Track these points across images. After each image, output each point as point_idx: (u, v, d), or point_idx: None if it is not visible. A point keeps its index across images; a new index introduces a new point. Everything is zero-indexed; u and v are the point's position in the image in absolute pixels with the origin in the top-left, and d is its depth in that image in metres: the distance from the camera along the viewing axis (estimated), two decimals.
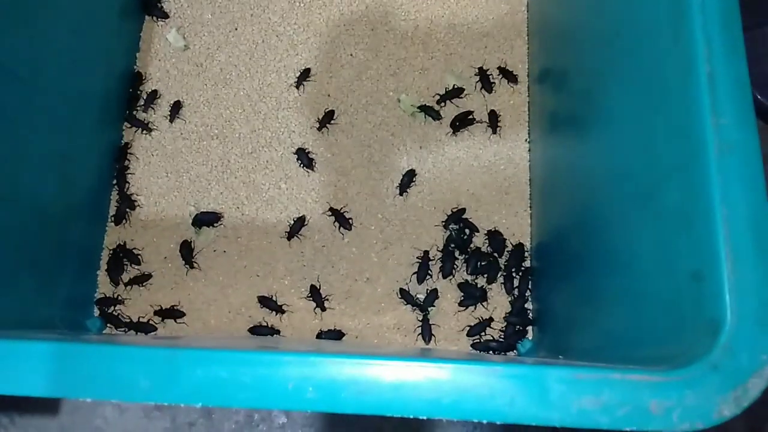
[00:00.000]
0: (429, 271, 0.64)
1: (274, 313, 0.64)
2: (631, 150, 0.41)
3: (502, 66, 0.71)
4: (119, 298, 0.64)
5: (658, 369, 0.28)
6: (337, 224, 0.65)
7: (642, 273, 0.37)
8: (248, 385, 0.27)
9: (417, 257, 0.65)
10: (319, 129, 0.68)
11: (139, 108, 0.70)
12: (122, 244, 0.66)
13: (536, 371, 0.27)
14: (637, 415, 0.27)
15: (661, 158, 0.36)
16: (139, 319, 0.64)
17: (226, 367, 0.27)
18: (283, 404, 0.27)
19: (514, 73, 0.70)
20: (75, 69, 0.61)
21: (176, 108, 0.69)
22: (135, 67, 0.73)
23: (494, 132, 0.68)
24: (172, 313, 0.63)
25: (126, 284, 0.65)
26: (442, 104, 0.69)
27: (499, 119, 0.69)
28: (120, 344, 0.28)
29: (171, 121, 0.69)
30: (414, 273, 0.65)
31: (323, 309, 0.64)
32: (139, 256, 0.66)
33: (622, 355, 0.36)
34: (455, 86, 0.69)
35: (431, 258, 0.65)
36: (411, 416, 0.27)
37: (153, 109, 0.70)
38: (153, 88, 0.71)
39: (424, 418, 0.27)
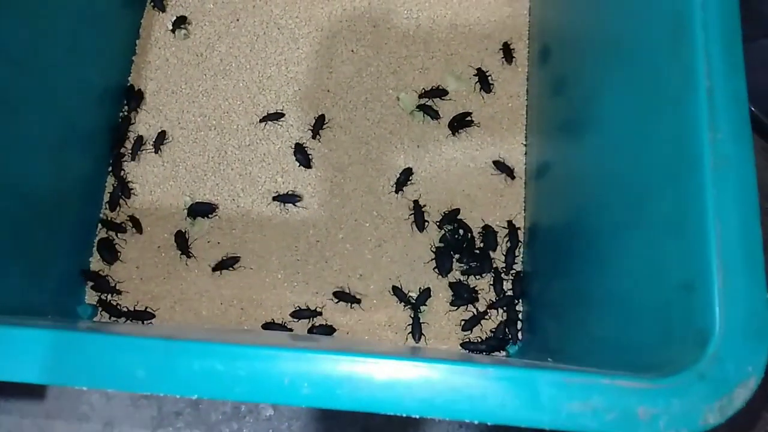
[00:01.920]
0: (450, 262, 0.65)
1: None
2: (626, 158, 0.42)
3: (506, 43, 0.71)
4: (116, 287, 0.64)
5: (646, 376, 0.28)
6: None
7: (632, 281, 0.37)
8: (244, 378, 0.27)
9: (432, 250, 0.65)
10: (313, 136, 0.68)
11: (125, 153, 0.69)
12: (107, 219, 0.66)
13: (527, 374, 0.28)
14: (625, 421, 0.28)
15: (655, 167, 0.36)
16: (135, 307, 0.64)
17: (223, 360, 0.27)
18: (279, 399, 0.27)
19: (513, 53, 0.71)
20: (73, 54, 0.61)
21: (161, 138, 0.68)
22: (132, 61, 0.72)
23: (488, 91, 0.69)
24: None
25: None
26: (426, 100, 0.69)
27: (492, 85, 0.70)
28: (117, 334, 0.28)
29: (156, 151, 0.68)
30: (434, 267, 0.65)
31: (357, 302, 0.64)
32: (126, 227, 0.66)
33: (611, 361, 0.37)
34: (440, 87, 0.70)
35: (444, 248, 0.65)
36: (404, 415, 0.27)
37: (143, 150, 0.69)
38: (139, 134, 0.69)
39: (417, 417, 0.27)
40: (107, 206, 0.67)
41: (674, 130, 0.34)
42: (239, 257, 0.65)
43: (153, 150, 0.68)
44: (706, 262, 0.30)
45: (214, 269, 0.64)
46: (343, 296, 0.64)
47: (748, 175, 0.30)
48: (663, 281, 0.34)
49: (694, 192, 0.31)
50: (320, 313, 0.64)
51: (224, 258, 0.65)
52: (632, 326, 0.36)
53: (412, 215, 0.66)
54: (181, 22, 0.71)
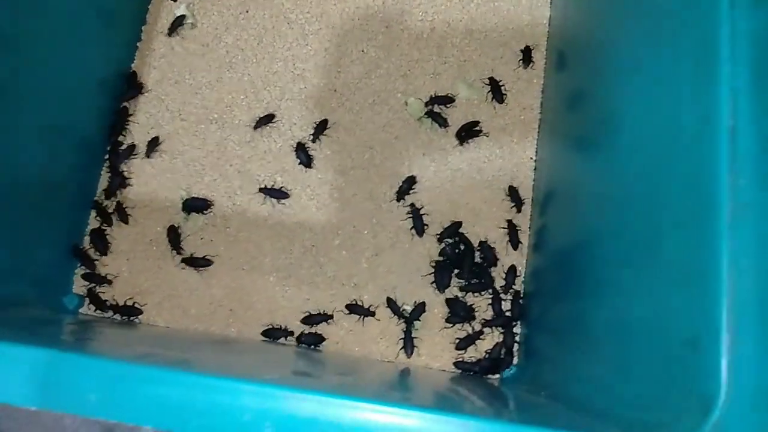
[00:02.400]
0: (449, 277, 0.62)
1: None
2: (640, 190, 0.39)
3: (528, 46, 0.69)
4: (106, 276, 0.63)
5: None
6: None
7: (634, 325, 0.35)
8: (202, 411, 0.25)
9: (431, 264, 0.63)
10: (313, 140, 0.66)
11: (122, 142, 0.67)
12: (99, 201, 0.64)
13: (501, 428, 0.25)
14: None
15: (670, 205, 0.34)
16: (125, 302, 0.62)
17: (181, 389, 0.25)
18: None
19: (532, 58, 0.68)
20: (74, 39, 0.59)
21: (153, 144, 0.66)
22: (137, 47, 0.70)
23: (500, 101, 0.67)
24: (129, 311, 0.61)
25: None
26: (432, 106, 0.67)
27: (505, 95, 0.67)
28: (72, 352, 0.26)
29: (148, 155, 0.66)
30: (432, 282, 0.63)
31: (372, 314, 0.62)
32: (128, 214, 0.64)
33: (604, 409, 0.34)
34: (448, 94, 0.67)
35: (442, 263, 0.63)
36: None
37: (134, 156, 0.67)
38: (132, 143, 0.67)
39: None
40: (103, 194, 0.65)
41: (692, 169, 0.32)
42: (213, 261, 0.63)
43: (144, 155, 0.66)
44: (715, 317, 0.27)
45: (183, 261, 0.63)
46: (356, 309, 0.61)
47: None
48: (667, 333, 0.31)
49: (709, 238, 0.29)
50: (331, 316, 0.62)
51: (198, 256, 0.63)
52: (629, 376, 0.34)
53: (410, 218, 0.64)
54: (178, 23, 0.69)
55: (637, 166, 0.40)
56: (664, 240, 0.33)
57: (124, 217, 0.64)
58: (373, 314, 0.62)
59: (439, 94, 0.67)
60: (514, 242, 0.63)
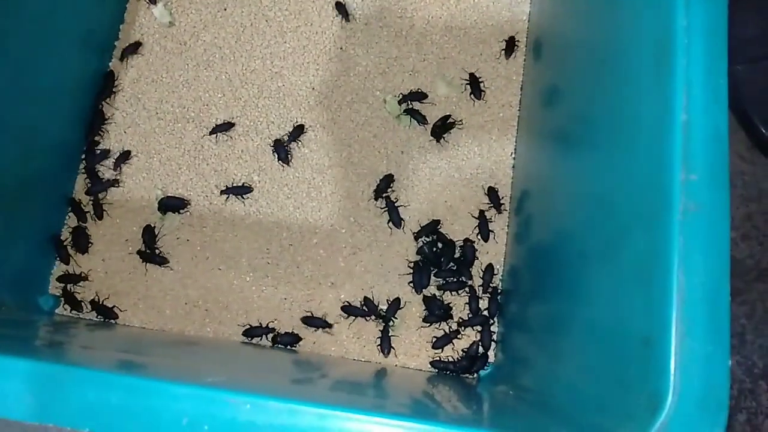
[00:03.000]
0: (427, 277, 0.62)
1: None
2: (604, 184, 0.38)
3: (512, 37, 0.68)
4: (82, 275, 0.62)
5: None
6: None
7: (597, 326, 0.34)
8: (139, 414, 0.25)
9: (409, 265, 0.62)
10: (287, 145, 0.65)
11: (99, 141, 0.66)
12: (77, 200, 0.64)
13: None
14: None
15: (631, 201, 0.33)
16: (102, 301, 0.62)
17: (117, 392, 0.25)
18: None
19: (517, 46, 0.68)
20: (51, 36, 0.59)
21: (124, 157, 0.65)
22: (114, 46, 0.70)
23: (478, 98, 0.66)
24: (106, 312, 0.61)
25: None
26: (406, 104, 0.66)
27: (483, 92, 0.67)
28: (6, 355, 0.26)
29: (114, 169, 0.65)
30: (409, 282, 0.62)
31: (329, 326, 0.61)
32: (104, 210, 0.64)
33: (566, 410, 0.34)
34: (419, 90, 0.66)
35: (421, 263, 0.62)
36: None
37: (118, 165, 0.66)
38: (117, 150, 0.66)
39: None
40: (81, 193, 0.65)
41: (650, 165, 0.31)
42: (168, 261, 0.63)
43: (112, 167, 0.65)
44: (666, 316, 0.26)
45: (139, 254, 0.62)
46: (312, 321, 0.61)
47: (721, 224, 0.27)
48: (625, 330, 0.31)
49: (662, 237, 0.28)
50: (331, 326, 0.61)
51: (150, 251, 0.62)
52: (591, 375, 0.33)
53: (386, 212, 0.63)
54: (131, 51, 0.68)
55: (604, 163, 0.39)
56: (624, 238, 0.33)
57: (99, 213, 0.63)
58: (330, 326, 0.61)
59: (412, 91, 0.66)
60: (485, 234, 0.63)
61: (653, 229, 0.29)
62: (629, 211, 0.32)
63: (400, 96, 0.66)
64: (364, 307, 0.61)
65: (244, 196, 0.64)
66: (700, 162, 0.27)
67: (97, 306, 0.61)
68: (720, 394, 0.25)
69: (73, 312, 0.62)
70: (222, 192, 0.64)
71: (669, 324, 0.26)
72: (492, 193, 0.64)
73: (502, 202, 0.64)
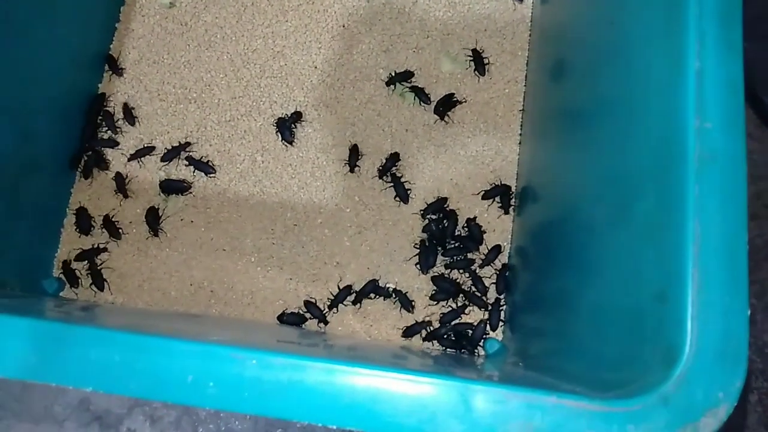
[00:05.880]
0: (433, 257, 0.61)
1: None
2: (614, 152, 0.38)
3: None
4: (99, 246, 0.62)
5: (602, 396, 0.25)
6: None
7: (608, 284, 0.34)
8: (142, 373, 0.24)
9: (415, 245, 0.62)
10: (290, 125, 0.64)
11: (101, 123, 0.66)
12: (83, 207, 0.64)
13: (463, 387, 0.24)
14: None
15: (642, 161, 0.32)
16: (100, 266, 0.61)
17: (120, 350, 0.24)
18: (180, 397, 0.24)
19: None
20: (51, 18, 0.58)
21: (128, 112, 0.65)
22: (115, 28, 0.69)
23: (482, 74, 0.65)
24: (98, 282, 0.61)
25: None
26: (392, 86, 0.65)
27: (487, 66, 0.65)
28: (6, 314, 0.26)
29: (129, 122, 0.65)
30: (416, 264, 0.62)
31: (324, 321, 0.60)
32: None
33: (578, 375, 0.33)
34: (406, 70, 0.66)
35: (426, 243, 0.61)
36: (318, 424, 0.24)
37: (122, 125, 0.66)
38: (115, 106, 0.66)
39: (334, 427, 0.24)
40: (81, 176, 0.65)
41: (662, 118, 0.30)
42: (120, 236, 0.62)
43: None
44: (681, 269, 0.26)
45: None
46: (311, 309, 0.60)
47: (737, 172, 0.26)
48: (638, 288, 0.30)
49: (676, 189, 0.27)
50: (327, 322, 0.61)
51: (154, 233, 0.62)
52: (604, 338, 0.33)
53: (392, 187, 0.62)
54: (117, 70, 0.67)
55: (614, 126, 0.38)
56: (638, 195, 0.32)
57: (122, 190, 0.63)
58: (325, 322, 0.60)
59: (398, 72, 0.66)
60: (506, 205, 0.62)
61: (666, 183, 0.28)
62: (640, 169, 0.32)
63: (389, 77, 0.65)
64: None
65: (208, 174, 0.64)
66: (715, 110, 0.27)
67: (93, 270, 0.61)
68: (739, 345, 0.24)
69: (73, 288, 0.62)
70: (186, 158, 0.64)
71: (685, 276, 0.25)
72: (503, 195, 0.63)
73: (512, 204, 0.63)
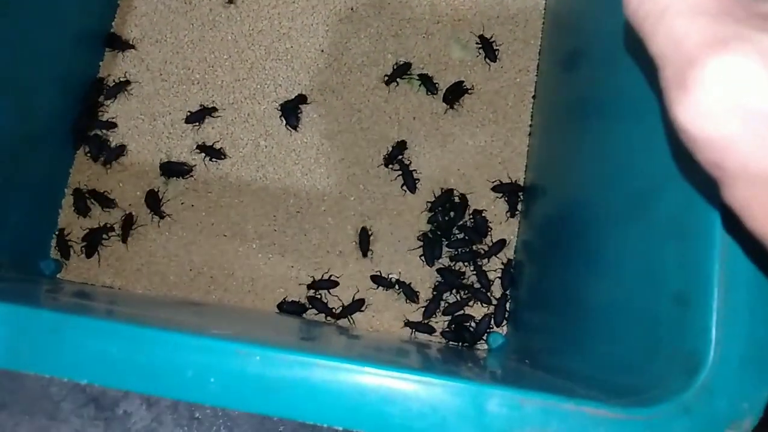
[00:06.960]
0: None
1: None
2: (636, 145, 0.36)
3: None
4: (107, 225, 0.61)
5: (620, 403, 0.23)
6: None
7: (623, 284, 0.33)
8: (141, 366, 0.23)
9: (419, 237, 0.61)
10: (295, 111, 0.62)
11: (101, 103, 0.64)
12: (87, 189, 0.62)
13: (476, 390, 0.23)
14: None
15: (666, 157, 0.31)
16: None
17: (118, 342, 0.23)
18: (180, 393, 0.23)
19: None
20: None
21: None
22: (118, 5, 0.67)
23: (493, 60, 0.63)
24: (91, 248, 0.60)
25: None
26: (392, 83, 0.63)
27: (498, 53, 0.64)
28: (3, 302, 0.24)
29: (105, 165, 0.62)
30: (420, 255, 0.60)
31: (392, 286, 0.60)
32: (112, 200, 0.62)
33: (589, 375, 0.32)
34: (402, 63, 0.64)
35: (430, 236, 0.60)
36: (322, 424, 0.23)
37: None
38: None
39: (340, 428, 0.23)
40: (89, 156, 0.63)
41: None
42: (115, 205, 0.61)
43: (102, 163, 0.62)
44: (707, 271, 0.24)
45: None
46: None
47: None
48: (657, 289, 0.29)
49: (704, 184, 0.26)
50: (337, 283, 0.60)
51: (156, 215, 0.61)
52: (617, 339, 0.31)
53: (400, 176, 0.61)
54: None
55: (631, 121, 0.37)
56: (658, 192, 0.31)
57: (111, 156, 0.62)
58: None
59: (395, 66, 0.64)
60: (513, 207, 0.61)
61: (694, 177, 0.27)
62: (664, 163, 0.30)
63: (385, 79, 0.63)
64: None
65: (214, 159, 0.62)
66: None
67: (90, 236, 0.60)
68: (766, 353, 0.23)
69: (62, 258, 0.60)
70: (198, 146, 0.62)
71: (711, 278, 0.24)
72: (513, 194, 0.61)
73: (518, 210, 0.61)
